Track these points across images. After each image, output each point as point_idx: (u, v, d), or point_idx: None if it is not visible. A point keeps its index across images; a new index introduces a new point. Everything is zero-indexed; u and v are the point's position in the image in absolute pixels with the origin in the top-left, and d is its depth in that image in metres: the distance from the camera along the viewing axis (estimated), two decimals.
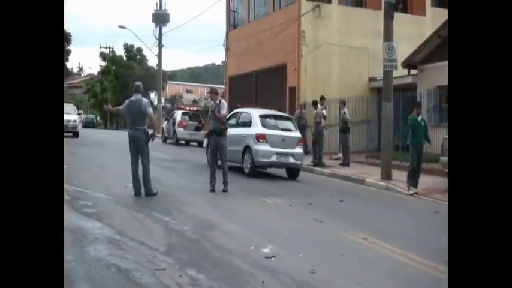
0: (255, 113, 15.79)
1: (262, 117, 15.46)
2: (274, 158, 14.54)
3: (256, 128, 14.85)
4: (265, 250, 6.58)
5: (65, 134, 26.00)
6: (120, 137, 29.90)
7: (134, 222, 8.06)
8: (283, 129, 15.31)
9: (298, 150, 15.11)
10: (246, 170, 14.96)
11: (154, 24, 40.94)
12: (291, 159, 14.88)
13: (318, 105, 18.65)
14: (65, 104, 32.05)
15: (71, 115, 28.70)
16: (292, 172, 15.31)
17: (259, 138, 14.66)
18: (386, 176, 14.27)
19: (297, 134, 15.49)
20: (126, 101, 10.75)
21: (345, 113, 18.22)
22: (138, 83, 10.97)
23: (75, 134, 28.31)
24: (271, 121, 15.53)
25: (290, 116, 18.12)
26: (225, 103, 11.96)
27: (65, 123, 26.65)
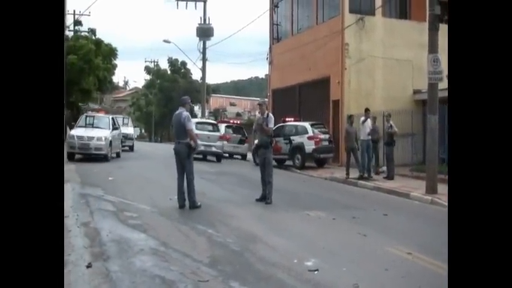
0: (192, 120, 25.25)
1: (197, 123, 23.81)
2: (202, 148, 21.15)
3: (191, 124, 22.11)
4: (309, 263, 6.58)
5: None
6: (165, 150, 30.29)
7: (178, 234, 8.17)
8: (209, 131, 24.67)
9: (219, 143, 24.61)
10: None
11: (198, 38, 41.43)
12: (214, 149, 24.24)
13: (363, 117, 18.60)
14: (119, 117, 29.97)
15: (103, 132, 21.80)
16: (217, 158, 24.89)
17: None
18: (432, 190, 14.04)
19: (218, 133, 25.13)
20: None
21: (391, 126, 18.07)
22: (183, 97, 11.20)
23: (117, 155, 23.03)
24: (202, 125, 24.97)
25: (215, 122, 27.90)
26: (272, 117, 12.04)
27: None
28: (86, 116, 24.08)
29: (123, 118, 30.58)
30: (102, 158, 20.79)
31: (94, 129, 21.78)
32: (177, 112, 10.67)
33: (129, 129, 29.94)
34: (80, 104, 38.59)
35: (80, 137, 20.81)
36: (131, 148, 28.38)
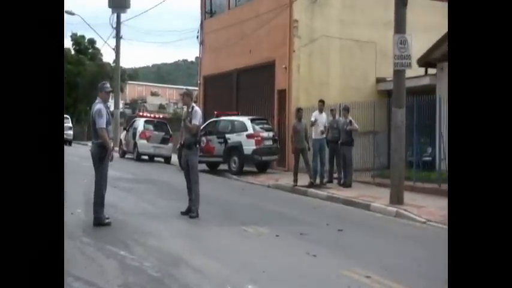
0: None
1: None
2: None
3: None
4: None
5: None
6: (67, 152, 29.78)
7: (81, 257, 8.06)
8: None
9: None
10: None
11: (110, 10, 40.94)
12: None
13: (316, 111, 18.86)
14: None
15: None
16: None
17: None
18: (397, 199, 14.29)
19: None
20: None
21: (350, 122, 18.21)
22: (102, 82, 11.00)
23: None
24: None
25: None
26: (198, 111, 12.05)
27: None
28: None
29: None
30: None
31: None
32: (94, 103, 10.55)
33: None
34: None
35: None
36: None
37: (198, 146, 12.10)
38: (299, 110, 18.76)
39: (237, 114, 24.30)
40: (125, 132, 31.19)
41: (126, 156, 29.72)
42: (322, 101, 19.17)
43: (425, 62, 20.44)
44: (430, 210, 13.35)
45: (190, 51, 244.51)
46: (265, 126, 22.94)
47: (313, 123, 18.66)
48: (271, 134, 22.66)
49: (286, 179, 19.31)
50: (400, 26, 14.87)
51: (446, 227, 11.77)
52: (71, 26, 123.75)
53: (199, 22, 32.55)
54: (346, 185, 17.80)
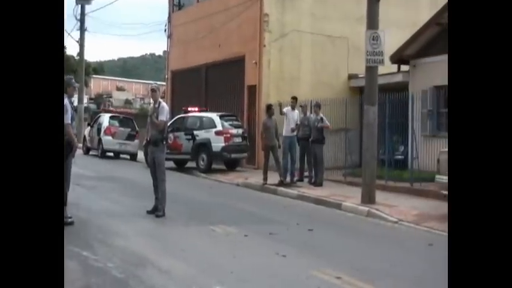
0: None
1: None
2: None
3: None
4: None
5: None
6: None
7: None
8: None
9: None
10: None
11: (74, 1, 40.58)
12: None
13: (288, 107, 18.88)
14: None
15: None
16: None
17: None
18: (369, 199, 14.36)
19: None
20: None
21: (322, 119, 18.24)
22: (67, 77, 10.86)
23: None
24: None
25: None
26: (165, 106, 12.01)
27: None
28: None
29: None
30: None
31: None
32: None
33: None
34: None
35: None
36: None
37: (165, 142, 12.07)
38: (270, 107, 18.76)
39: (206, 110, 24.24)
40: (89, 128, 30.97)
41: (91, 153, 29.51)
42: (294, 98, 19.14)
43: (398, 58, 20.58)
44: (401, 209, 13.44)
45: (158, 45, 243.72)
46: (235, 122, 22.94)
47: (283, 113, 18.69)
48: (240, 130, 22.62)
49: (256, 177, 19.32)
50: (372, 21, 14.91)
51: (418, 226, 11.92)
52: None
53: (167, 15, 32.40)
54: (317, 183, 17.83)
